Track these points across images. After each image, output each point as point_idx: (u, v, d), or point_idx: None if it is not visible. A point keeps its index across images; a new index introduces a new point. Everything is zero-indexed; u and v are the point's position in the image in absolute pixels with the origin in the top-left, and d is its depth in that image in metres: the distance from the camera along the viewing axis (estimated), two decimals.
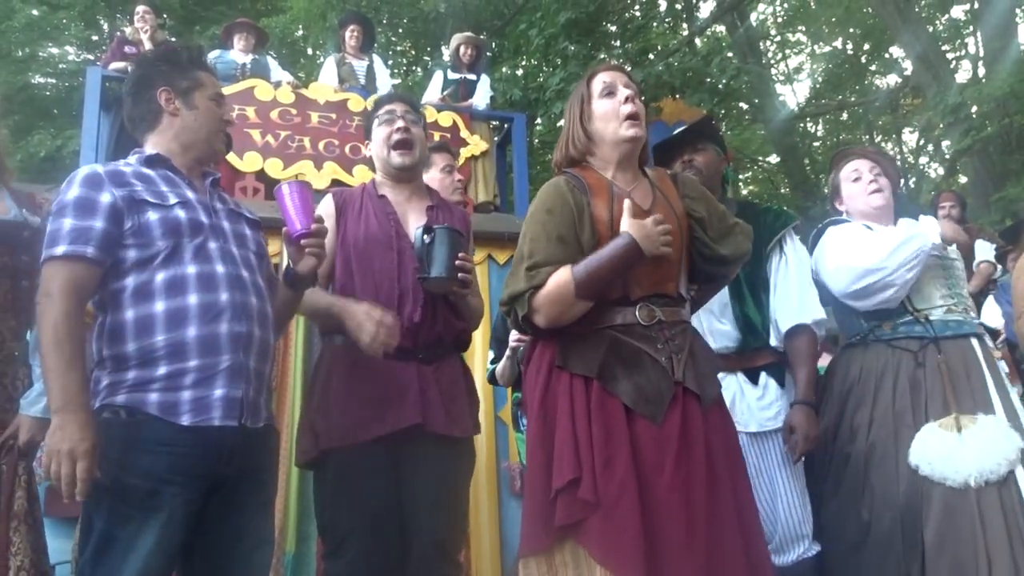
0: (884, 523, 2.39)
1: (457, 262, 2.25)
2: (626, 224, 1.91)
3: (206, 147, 2.11)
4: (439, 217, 2.46)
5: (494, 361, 3.19)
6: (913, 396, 2.49)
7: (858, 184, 2.78)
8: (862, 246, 2.60)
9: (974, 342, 2.57)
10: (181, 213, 1.93)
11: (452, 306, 2.40)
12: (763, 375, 2.59)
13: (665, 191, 2.13)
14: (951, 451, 2.32)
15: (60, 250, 1.80)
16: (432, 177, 3.06)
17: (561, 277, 1.92)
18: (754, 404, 2.55)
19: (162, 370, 1.82)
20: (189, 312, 1.85)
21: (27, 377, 2.36)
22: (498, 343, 3.29)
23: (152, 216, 1.89)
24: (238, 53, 6.29)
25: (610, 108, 2.08)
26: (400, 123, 2.50)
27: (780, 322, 2.57)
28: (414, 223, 2.42)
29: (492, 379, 3.21)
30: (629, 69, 2.33)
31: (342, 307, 2.25)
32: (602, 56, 10.66)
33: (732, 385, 2.56)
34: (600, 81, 2.11)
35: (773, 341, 2.60)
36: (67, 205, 1.85)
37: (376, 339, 2.15)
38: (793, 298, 2.57)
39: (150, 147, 2.06)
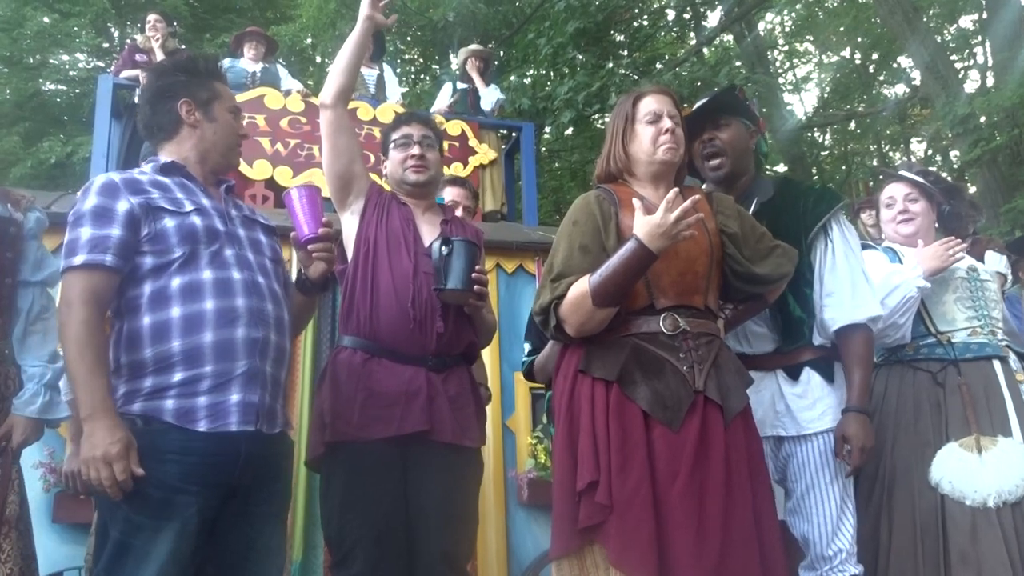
0: (906, 540, 2.40)
1: (473, 275, 2.27)
2: (636, 225, 1.92)
3: (222, 160, 2.12)
4: (453, 231, 2.47)
5: (531, 354, 2.94)
6: (934, 416, 2.51)
7: (890, 211, 2.84)
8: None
9: (996, 364, 2.58)
10: (197, 220, 1.94)
11: (466, 317, 2.41)
12: (806, 371, 2.33)
13: (698, 208, 2.12)
14: (972, 471, 2.35)
15: (79, 259, 1.81)
16: None
17: (580, 287, 1.95)
18: (794, 404, 2.30)
19: (178, 376, 1.83)
20: (205, 317, 1.86)
21: (17, 376, 2.35)
22: (538, 335, 3.14)
23: (168, 223, 1.90)
24: (248, 62, 6.32)
25: (651, 135, 2.11)
26: (415, 149, 2.54)
27: (829, 320, 2.31)
28: (428, 235, 2.44)
29: (529, 374, 2.95)
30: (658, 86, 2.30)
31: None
32: (609, 65, 10.66)
33: (771, 385, 2.34)
34: (647, 106, 2.14)
35: (817, 340, 2.34)
36: (84, 215, 1.86)
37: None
38: (844, 293, 2.31)
39: (166, 155, 2.07)
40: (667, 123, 2.10)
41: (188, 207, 1.95)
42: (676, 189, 1.93)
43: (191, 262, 1.90)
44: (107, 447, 1.69)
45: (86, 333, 1.77)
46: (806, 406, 2.30)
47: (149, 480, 1.74)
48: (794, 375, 2.33)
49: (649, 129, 2.12)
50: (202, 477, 1.80)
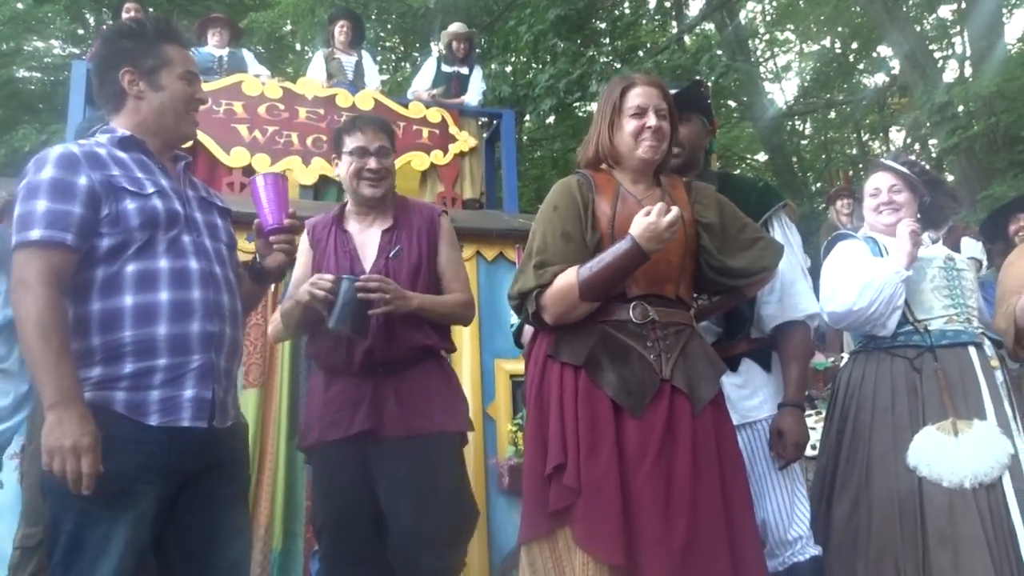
0: (886, 521, 2.44)
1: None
2: (633, 225, 1.91)
3: (174, 132, 1.98)
4: (396, 239, 2.55)
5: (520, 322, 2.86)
6: (911, 401, 2.55)
7: (874, 200, 2.87)
8: (841, 284, 2.65)
9: (972, 350, 2.62)
10: (158, 203, 1.84)
11: (416, 320, 2.47)
12: (745, 361, 2.40)
13: (675, 197, 2.13)
14: (949, 454, 2.39)
15: (36, 234, 1.68)
16: None
17: (567, 278, 1.96)
18: (735, 394, 2.34)
19: (129, 367, 1.75)
20: (160, 309, 1.78)
21: None
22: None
23: (130, 205, 1.80)
24: (213, 48, 6.23)
25: (635, 128, 2.08)
26: (372, 163, 2.54)
27: (767, 317, 2.39)
28: (371, 254, 2.55)
29: (517, 340, 2.92)
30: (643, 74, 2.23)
31: None
32: (591, 53, 10.64)
33: None
34: (633, 99, 2.09)
35: (754, 335, 2.41)
36: (40, 186, 1.72)
37: None
38: (784, 291, 2.37)
39: (120, 128, 1.93)
40: (652, 120, 2.07)
41: (149, 188, 1.84)
42: (661, 205, 1.91)
43: (148, 248, 1.80)
44: (78, 438, 1.60)
45: (50, 316, 1.65)
46: (746, 395, 2.38)
47: (105, 471, 1.66)
48: (733, 366, 2.37)
49: (633, 123, 2.09)
50: (159, 466, 1.74)
